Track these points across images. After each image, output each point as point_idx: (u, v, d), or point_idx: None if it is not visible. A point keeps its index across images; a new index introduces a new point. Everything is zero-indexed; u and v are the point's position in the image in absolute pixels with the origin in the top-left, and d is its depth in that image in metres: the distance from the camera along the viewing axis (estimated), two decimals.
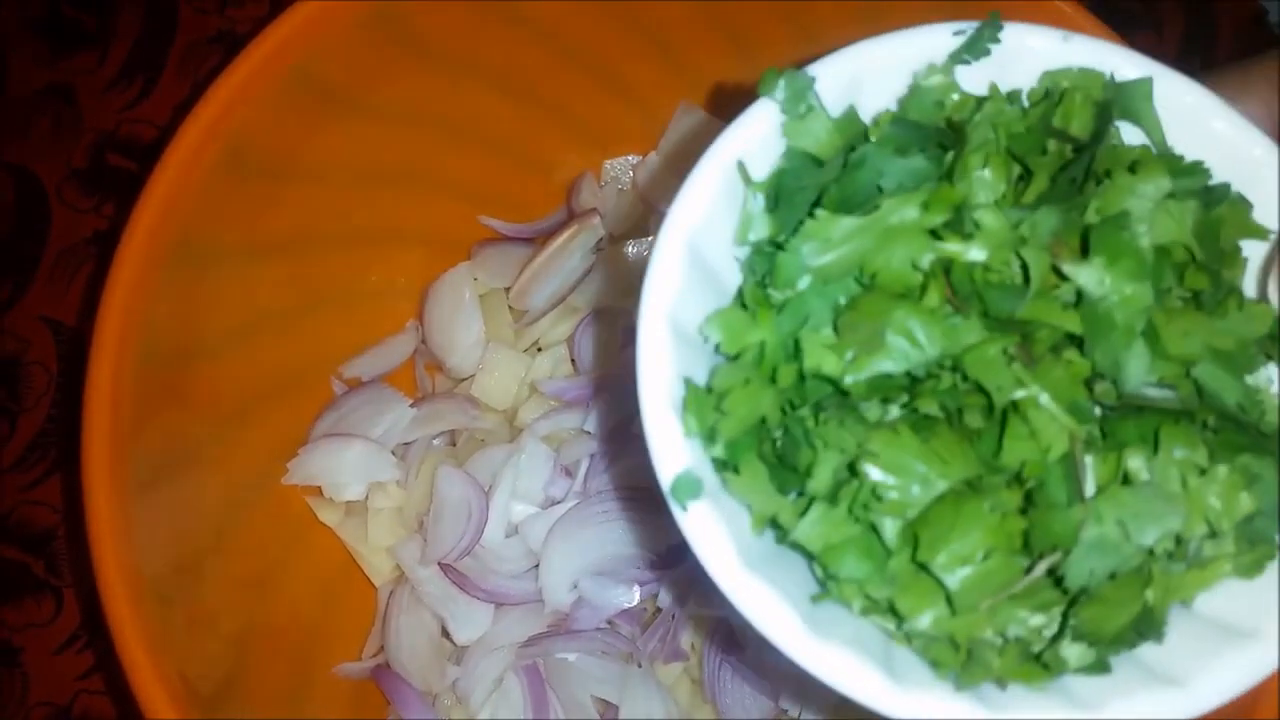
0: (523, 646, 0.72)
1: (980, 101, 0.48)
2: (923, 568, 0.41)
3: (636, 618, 0.74)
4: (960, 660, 0.42)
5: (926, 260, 0.43)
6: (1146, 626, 0.43)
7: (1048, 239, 0.43)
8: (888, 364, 0.42)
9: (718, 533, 0.43)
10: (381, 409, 0.81)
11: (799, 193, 0.46)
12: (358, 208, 0.83)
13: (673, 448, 0.44)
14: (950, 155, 0.45)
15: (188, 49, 1.05)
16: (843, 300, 0.44)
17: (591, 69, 0.85)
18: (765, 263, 0.46)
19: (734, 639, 0.72)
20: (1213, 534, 0.42)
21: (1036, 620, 0.42)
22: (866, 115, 0.49)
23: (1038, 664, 0.42)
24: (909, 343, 0.42)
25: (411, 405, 0.81)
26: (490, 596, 0.73)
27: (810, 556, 0.44)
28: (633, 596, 0.72)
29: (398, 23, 0.76)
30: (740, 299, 0.47)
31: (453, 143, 0.85)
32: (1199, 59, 0.89)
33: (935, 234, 0.44)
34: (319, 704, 0.76)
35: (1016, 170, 0.46)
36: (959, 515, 0.41)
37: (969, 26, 0.49)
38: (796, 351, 0.44)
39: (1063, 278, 0.43)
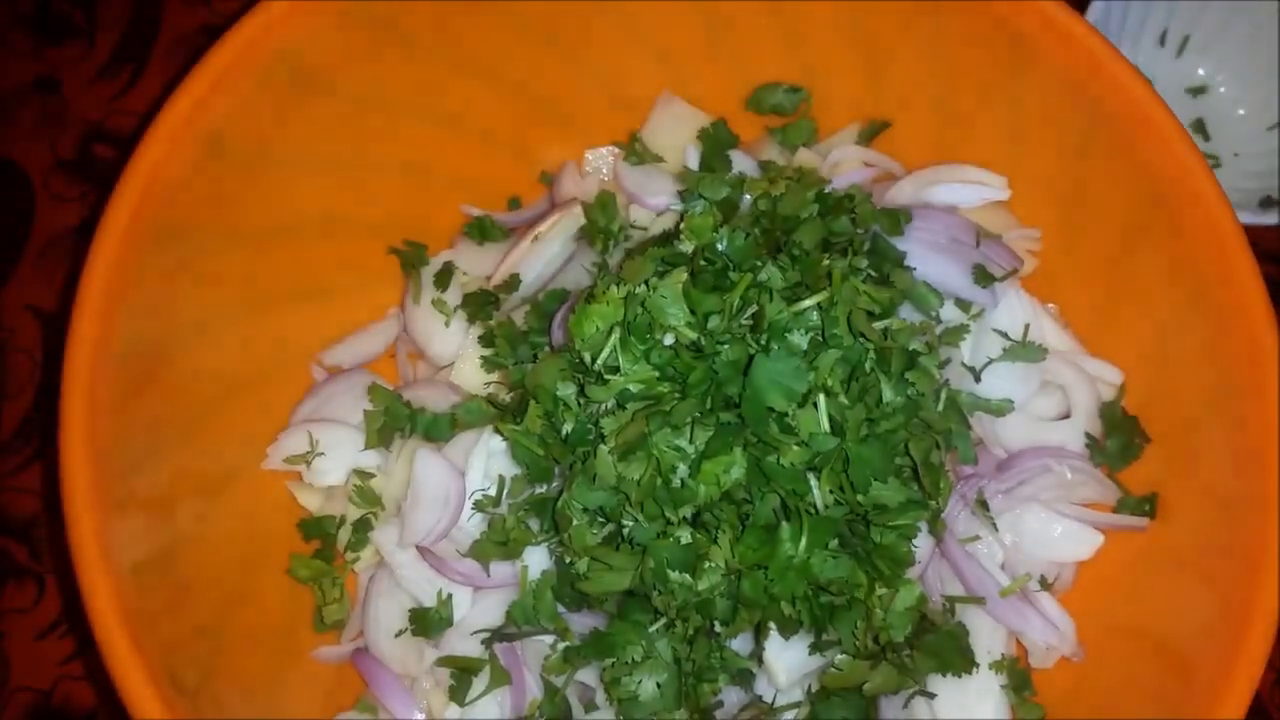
0: (500, 627, 0.73)
1: None
2: None
3: None
4: None
5: None
6: None
7: None
8: None
9: None
10: (362, 395, 0.81)
11: None
12: (339, 196, 0.83)
13: None
14: None
15: (174, 41, 1.05)
16: None
17: (574, 59, 0.86)
18: None
19: None
20: None
21: None
22: None
23: None
24: None
25: (392, 391, 0.81)
26: (468, 579, 0.74)
27: None
28: None
29: (379, 11, 0.77)
30: None
31: (435, 131, 0.85)
32: None
33: None
34: (298, 687, 0.76)
35: None
36: None
37: None
38: None
39: None
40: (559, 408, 0.66)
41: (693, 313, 0.65)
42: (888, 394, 0.62)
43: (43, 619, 0.89)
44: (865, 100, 0.86)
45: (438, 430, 0.77)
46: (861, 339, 0.63)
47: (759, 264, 0.66)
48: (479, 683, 0.73)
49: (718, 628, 0.64)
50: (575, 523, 0.64)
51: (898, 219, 0.75)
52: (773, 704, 0.69)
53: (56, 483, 0.65)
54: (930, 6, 0.77)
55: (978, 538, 0.73)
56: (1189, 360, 0.73)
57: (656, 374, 0.64)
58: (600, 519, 0.65)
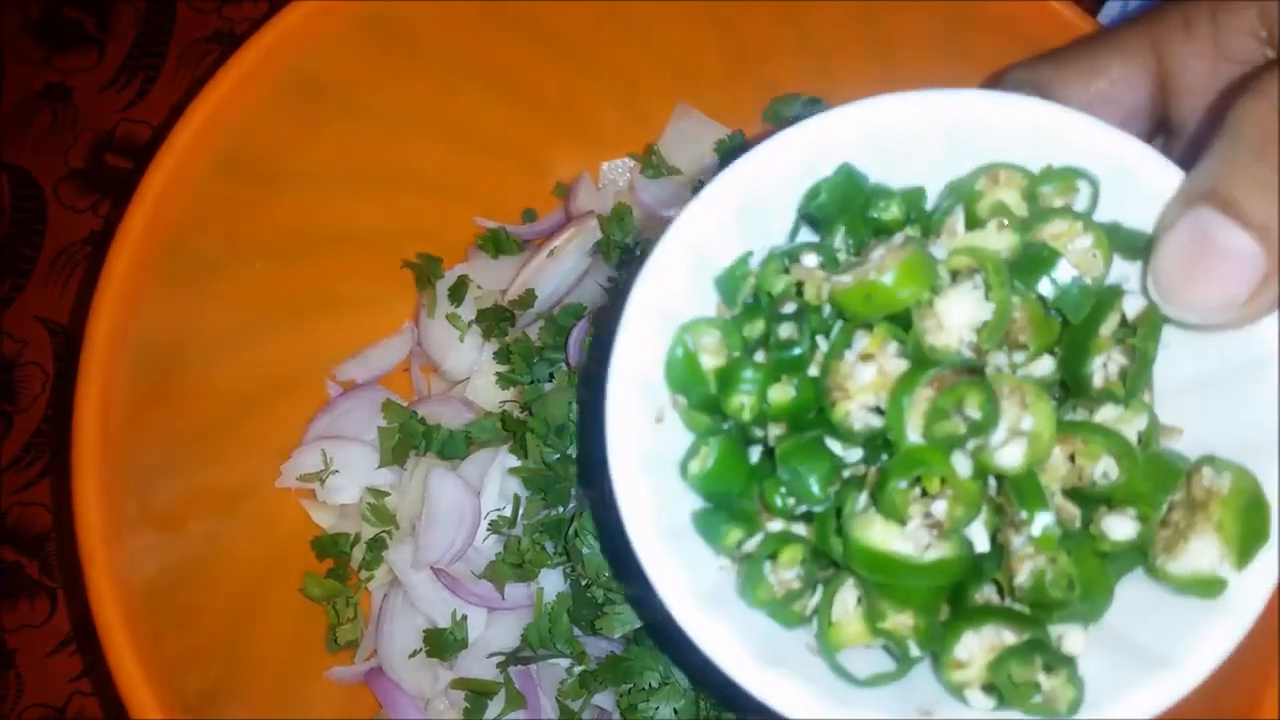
0: (516, 650, 0.72)
1: None
2: None
3: None
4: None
5: None
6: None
7: None
8: None
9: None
10: (376, 411, 0.81)
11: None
12: (353, 208, 0.82)
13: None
14: None
15: (186, 49, 1.04)
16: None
17: (588, 70, 0.85)
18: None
19: None
20: None
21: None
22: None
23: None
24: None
25: (407, 407, 0.80)
26: (483, 601, 0.73)
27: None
28: None
29: (393, 23, 0.76)
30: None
31: (449, 144, 0.85)
32: None
33: None
34: (311, 707, 0.75)
35: None
36: None
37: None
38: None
39: None
40: (564, 433, 0.65)
41: None
42: None
43: (55, 635, 0.88)
44: None
45: (453, 448, 0.77)
46: None
47: None
48: (494, 706, 0.72)
49: None
50: (586, 552, 0.63)
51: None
52: None
53: (66, 498, 0.64)
54: (950, 18, 0.76)
55: None
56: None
57: None
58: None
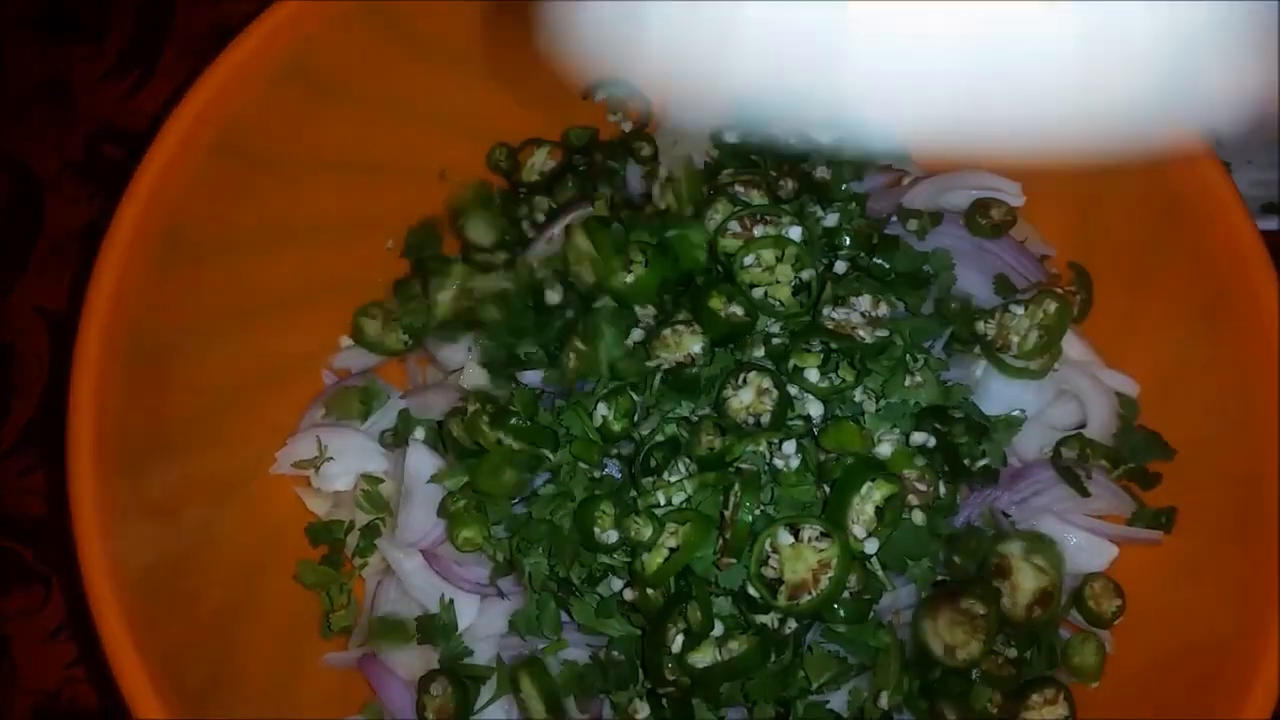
0: (506, 636, 0.72)
1: None
2: None
3: None
4: None
5: None
6: None
7: None
8: None
9: None
10: (371, 400, 0.81)
11: None
12: (349, 198, 0.83)
13: None
14: None
15: (183, 41, 1.05)
16: None
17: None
18: None
19: None
20: None
21: None
22: None
23: None
24: None
25: (401, 397, 0.81)
26: (476, 588, 0.73)
27: None
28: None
29: (388, 14, 0.77)
30: None
31: (444, 133, 0.85)
32: None
33: None
34: (306, 693, 0.76)
35: None
36: None
37: None
38: None
39: None
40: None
41: None
42: None
43: (50, 622, 0.89)
44: None
45: None
46: None
47: None
48: (486, 690, 0.72)
49: None
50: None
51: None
52: None
53: (62, 486, 0.65)
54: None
55: None
56: (1206, 373, 0.72)
57: None
58: None
